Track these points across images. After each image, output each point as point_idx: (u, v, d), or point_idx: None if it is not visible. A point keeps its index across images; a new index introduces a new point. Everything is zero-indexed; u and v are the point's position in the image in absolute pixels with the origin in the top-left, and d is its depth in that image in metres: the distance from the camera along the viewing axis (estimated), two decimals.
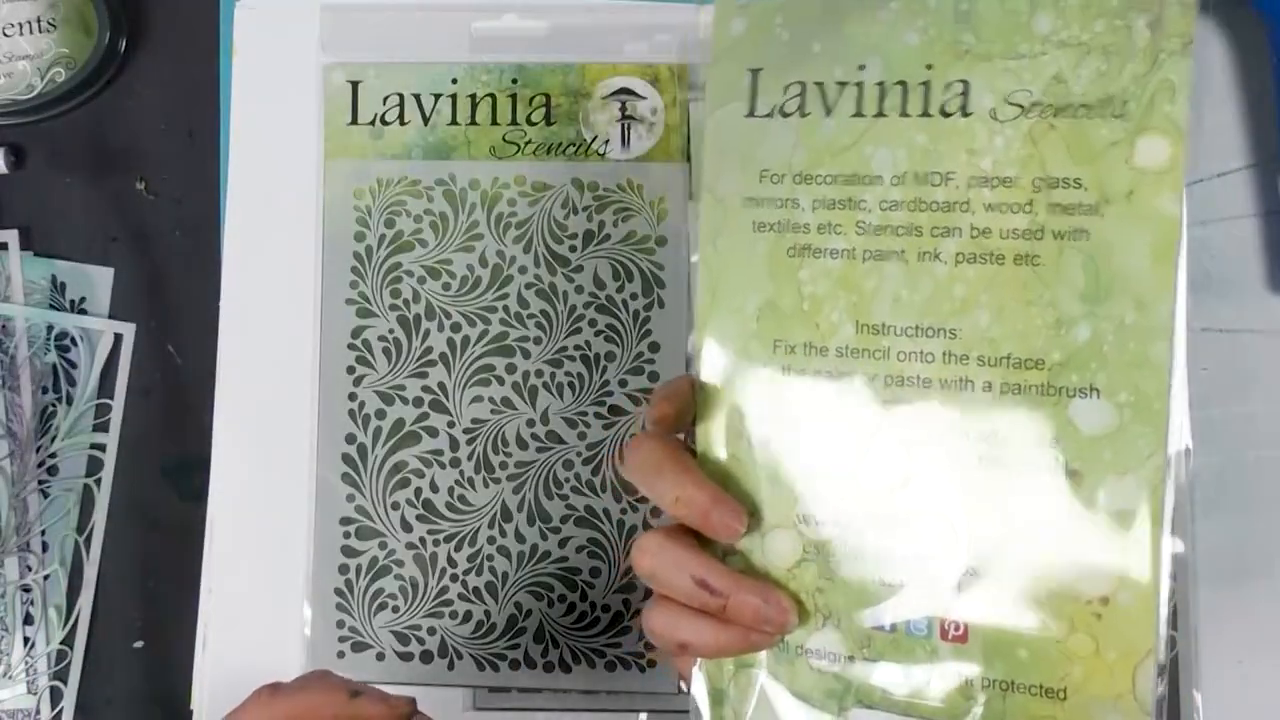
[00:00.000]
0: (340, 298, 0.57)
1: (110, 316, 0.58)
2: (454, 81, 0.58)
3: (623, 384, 0.57)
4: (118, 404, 0.58)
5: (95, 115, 0.59)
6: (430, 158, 0.57)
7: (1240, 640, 0.56)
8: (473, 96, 0.57)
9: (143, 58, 0.60)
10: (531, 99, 0.57)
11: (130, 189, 0.59)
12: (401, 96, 0.58)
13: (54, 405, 0.58)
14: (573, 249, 0.57)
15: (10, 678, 0.57)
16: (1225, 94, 0.57)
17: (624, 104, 0.57)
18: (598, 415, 0.57)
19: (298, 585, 0.56)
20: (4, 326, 0.58)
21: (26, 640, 0.57)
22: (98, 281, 0.59)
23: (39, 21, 0.58)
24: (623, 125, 0.57)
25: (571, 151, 0.57)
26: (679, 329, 0.57)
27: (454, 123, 0.58)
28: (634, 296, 0.57)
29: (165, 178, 0.59)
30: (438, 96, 0.57)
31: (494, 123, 0.57)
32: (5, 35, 0.58)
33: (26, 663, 0.57)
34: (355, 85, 0.58)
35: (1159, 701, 0.46)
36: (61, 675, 0.57)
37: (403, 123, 0.58)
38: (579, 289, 0.57)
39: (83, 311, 0.58)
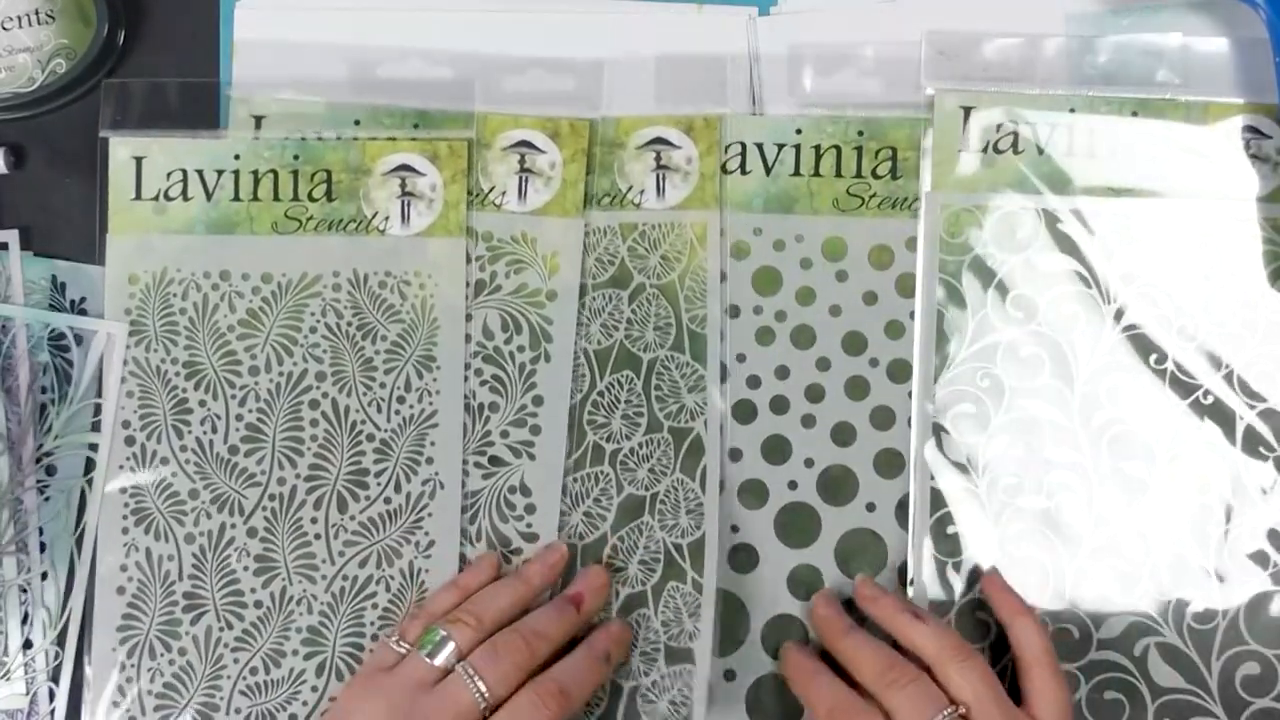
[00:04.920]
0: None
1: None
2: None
3: (504, 435, 0.57)
4: (111, 403, 0.58)
5: (96, 114, 0.59)
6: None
7: None
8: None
9: (142, 48, 0.60)
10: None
11: None
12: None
13: (50, 404, 0.58)
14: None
15: (8, 678, 0.57)
16: (1225, 94, 0.58)
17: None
18: (478, 465, 0.57)
19: None
20: (2, 326, 0.58)
21: (25, 640, 0.57)
22: (98, 281, 0.58)
23: (37, 14, 0.58)
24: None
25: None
26: (563, 384, 0.57)
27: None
28: (520, 349, 0.57)
29: None
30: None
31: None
32: (4, 29, 0.58)
33: (25, 663, 0.57)
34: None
35: None
36: (55, 675, 0.57)
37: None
38: (466, 337, 0.57)
39: (82, 312, 0.58)
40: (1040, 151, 0.56)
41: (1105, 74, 0.57)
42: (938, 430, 0.56)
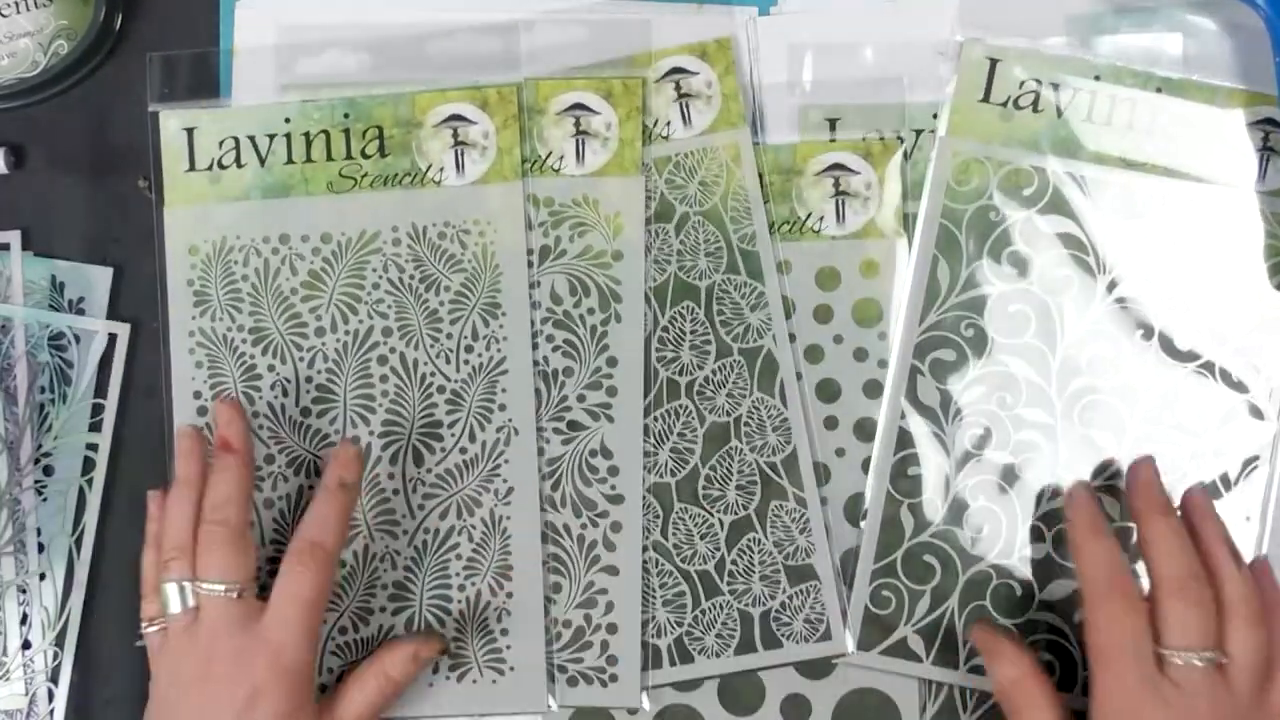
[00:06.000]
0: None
1: (110, 317, 0.58)
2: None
3: (580, 399, 0.57)
4: (111, 404, 0.58)
5: (96, 114, 0.59)
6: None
7: None
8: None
9: (142, 24, 0.60)
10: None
11: (130, 189, 0.59)
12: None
13: (49, 405, 0.58)
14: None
15: (7, 678, 0.56)
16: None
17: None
18: (556, 431, 0.57)
19: None
20: (2, 326, 0.58)
21: (24, 641, 0.57)
22: (97, 281, 0.58)
23: None
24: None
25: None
26: (636, 343, 0.57)
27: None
28: (590, 311, 0.57)
29: None
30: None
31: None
32: (3, 15, 0.58)
33: (24, 663, 0.57)
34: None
35: None
36: (55, 676, 0.57)
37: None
38: (535, 304, 0.57)
39: (80, 312, 0.58)
40: (1060, 114, 0.56)
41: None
42: (914, 372, 0.56)
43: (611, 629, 0.55)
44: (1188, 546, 0.49)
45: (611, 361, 0.57)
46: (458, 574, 0.56)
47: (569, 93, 0.57)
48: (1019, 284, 0.56)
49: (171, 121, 0.58)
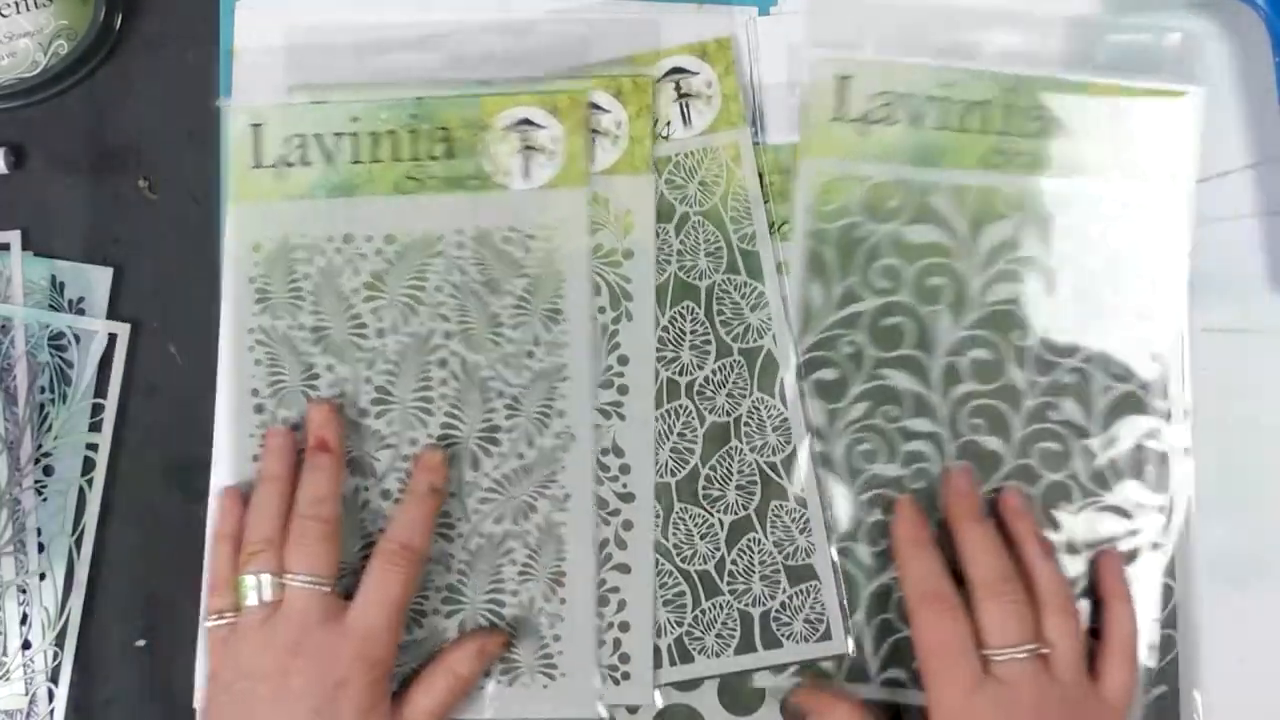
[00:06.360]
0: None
1: (110, 317, 0.58)
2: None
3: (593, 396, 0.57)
4: (111, 404, 0.58)
5: (96, 114, 0.59)
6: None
7: (1240, 640, 0.56)
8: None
9: (142, 23, 0.60)
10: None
11: (130, 189, 0.59)
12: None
13: (49, 405, 0.58)
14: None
15: (7, 678, 0.56)
16: (1225, 94, 0.58)
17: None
18: None
19: None
20: (2, 326, 0.58)
21: (24, 641, 0.57)
22: (97, 282, 0.58)
23: None
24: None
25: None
26: (647, 342, 0.57)
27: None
28: (601, 310, 0.57)
29: (166, 177, 0.59)
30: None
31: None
32: (3, 15, 0.58)
33: (24, 663, 0.57)
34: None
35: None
36: (55, 676, 0.57)
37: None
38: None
39: (80, 312, 0.58)
40: (914, 124, 0.57)
41: (1105, 75, 0.57)
42: (802, 393, 0.56)
43: (624, 627, 0.55)
44: (999, 549, 0.52)
45: (623, 360, 0.57)
46: (511, 579, 0.56)
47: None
48: (893, 297, 0.56)
49: (239, 117, 0.58)
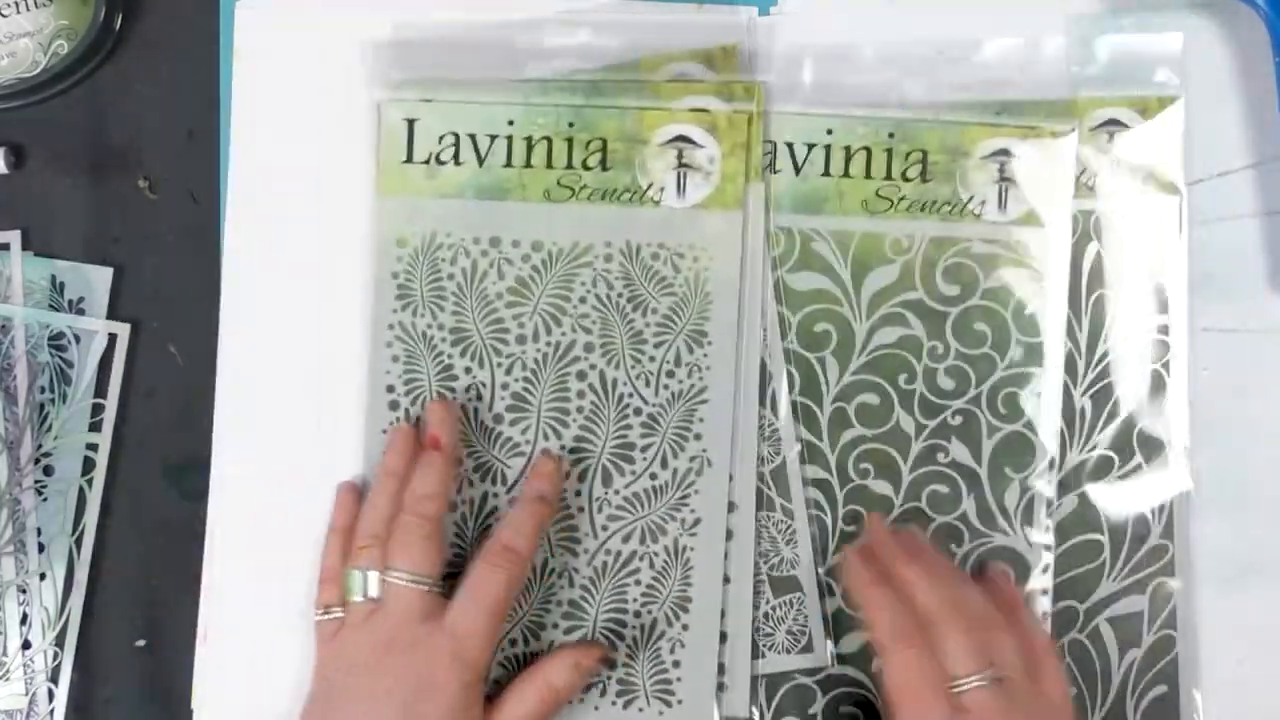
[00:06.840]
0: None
1: (110, 317, 0.58)
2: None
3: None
4: (111, 404, 0.58)
5: (96, 114, 0.59)
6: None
7: (1240, 640, 0.57)
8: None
9: (142, 23, 0.60)
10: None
11: (130, 189, 0.59)
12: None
13: (49, 405, 0.58)
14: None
15: (7, 678, 0.57)
16: (1225, 94, 0.58)
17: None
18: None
19: (299, 584, 0.56)
20: (2, 326, 0.58)
21: (24, 641, 0.57)
22: (97, 282, 0.58)
23: None
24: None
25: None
26: (727, 369, 0.56)
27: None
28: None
29: (166, 177, 0.59)
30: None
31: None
32: (3, 15, 0.58)
33: (24, 663, 0.57)
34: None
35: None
36: (55, 676, 0.57)
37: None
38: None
39: (80, 312, 0.58)
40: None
41: (1105, 74, 0.57)
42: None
43: (722, 638, 0.55)
44: (939, 579, 0.51)
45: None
46: (635, 599, 0.55)
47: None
48: (782, 344, 0.56)
49: (395, 111, 0.57)
